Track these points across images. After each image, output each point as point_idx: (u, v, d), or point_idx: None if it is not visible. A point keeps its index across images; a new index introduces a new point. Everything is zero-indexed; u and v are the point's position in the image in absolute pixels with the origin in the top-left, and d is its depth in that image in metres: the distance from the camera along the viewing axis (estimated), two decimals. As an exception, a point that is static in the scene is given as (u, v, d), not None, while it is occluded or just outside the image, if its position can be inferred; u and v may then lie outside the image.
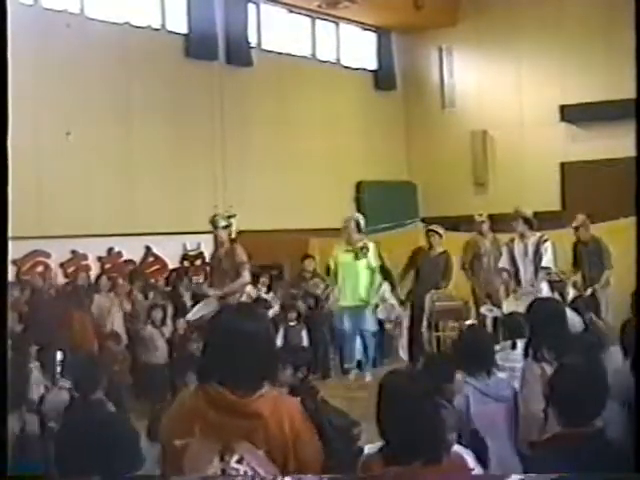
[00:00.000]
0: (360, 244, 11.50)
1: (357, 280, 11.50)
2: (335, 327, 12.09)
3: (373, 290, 11.65)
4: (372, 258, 11.56)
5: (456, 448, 4.05)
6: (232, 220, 10.31)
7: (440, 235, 12.40)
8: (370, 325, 11.71)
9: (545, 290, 10.93)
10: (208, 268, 12.14)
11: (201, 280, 13.36)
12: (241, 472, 3.24)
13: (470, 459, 3.89)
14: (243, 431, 3.25)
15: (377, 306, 12.24)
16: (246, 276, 10.08)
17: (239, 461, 3.24)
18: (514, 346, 6.48)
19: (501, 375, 5.79)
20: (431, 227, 12.77)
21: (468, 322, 12.13)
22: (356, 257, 11.45)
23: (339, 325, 11.87)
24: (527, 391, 5.21)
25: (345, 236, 11.61)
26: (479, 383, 5.40)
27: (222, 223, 10.20)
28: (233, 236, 10.42)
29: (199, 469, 3.27)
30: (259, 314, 3.78)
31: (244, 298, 10.27)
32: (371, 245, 11.66)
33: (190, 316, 10.50)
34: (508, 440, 5.29)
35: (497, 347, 6.51)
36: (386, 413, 3.44)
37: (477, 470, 3.70)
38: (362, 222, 11.69)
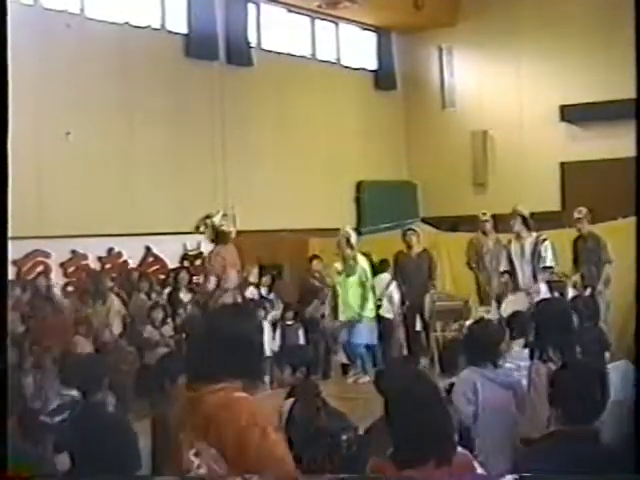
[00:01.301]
0: (350, 260, 11.51)
1: (347, 296, 11.50)
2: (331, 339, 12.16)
3: (365, 304, 11.61)
4: (363, 273, 11.53)
5: (459, 449, 4.04)
6: (208, 221, 10.22)
7: (418, 234, 12.47)
8: (360, 338, 11.66)
9: (544, 290, 10.92)
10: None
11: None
12: (196, 465, 3.25)
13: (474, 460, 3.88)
14: (197, 428, 3.27)
15: (379, 307, 12.26)
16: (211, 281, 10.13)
17: (196, 454, 3.27)
18: (526, 346, 6.46)
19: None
20: (409, 227, 12.83)
21: (467, 322, 12.12)
22: (346, 274, 11.45)
23: (336, 338, 11.93)
24: (534, 392, 5.18)
25: (339, 252, 11.65)
26: (486, 371, 5.40)
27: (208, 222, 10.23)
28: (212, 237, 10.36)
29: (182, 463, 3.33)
30: (246, 312, 3.84)
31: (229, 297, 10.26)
32: (362, 259, 11.63)
33: None
34: (509, 428, 5.27)
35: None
36: (395, 415, 3.41)
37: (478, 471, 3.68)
38: (353, 238, 11.69)
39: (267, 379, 9.38)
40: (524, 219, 11.20)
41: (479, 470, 3.59)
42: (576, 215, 12.00)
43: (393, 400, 3.47)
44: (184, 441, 3.30)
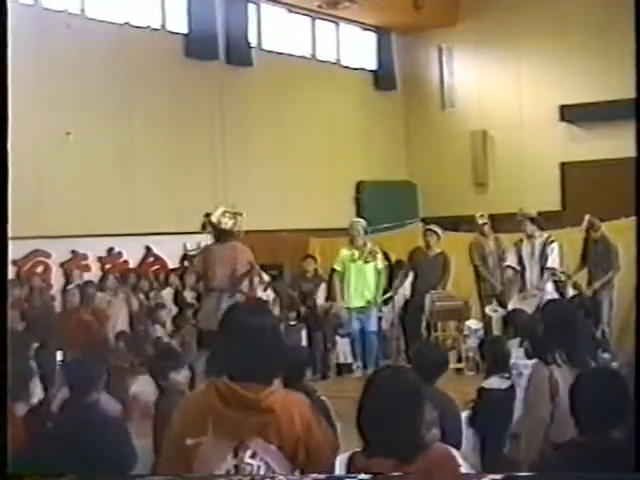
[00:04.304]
0: (368, 248, 11.62)
1: (365, 283, 11.60)
2: (342, 328, 12.13)
3: (379, 292, 11.71)
4: (379, 261, 11.69)
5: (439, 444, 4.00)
6: (206, 219, 10.10)
7: (438, 235, 12.38)
8: (374, 326, 11.77)
9: (550, 291, 10.94)
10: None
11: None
12: (255, 467, 3.29)
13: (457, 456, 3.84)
14: (256, 426, 3.30)
15: (386, 303, 12.32)
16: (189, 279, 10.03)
17: (252, 456, 3.30)
18: (521, 344, 6.46)
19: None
20: (429, 227, 12.74)
21: (468, 323, 12.13)
22: (366, 261, 11.56)
23: (347, 326, 11.90)
24: (534, 393, 5.14)
25: (350, 240, 11.72)
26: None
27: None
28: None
29: (212, 467, 3.30)
30: (267, 310, 3.84)
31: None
32: (377, 248, 11.80)
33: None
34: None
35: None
36: (365, 407, 3.35)
37: (464, 468, 3.62)
38: (364, 226, 11.83)
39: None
40: (533, 220, 11.27)
41: (463, 468, 3.54)
42: (582, 226, 11.87)
43: (365, 389, 3.43)
44: (225, 444, 3.30)
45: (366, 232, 11.85)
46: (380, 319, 12.29)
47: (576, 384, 3.79)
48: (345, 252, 11.82)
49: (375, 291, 11.78)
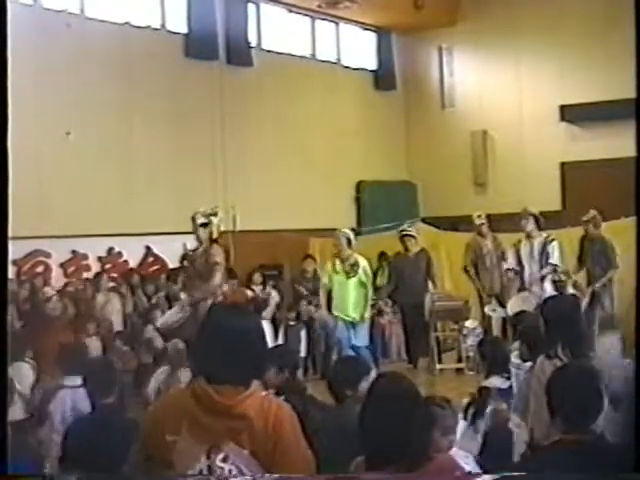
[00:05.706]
0: (351, 261, 11.36)
1: (348, 297, 11.32)
2: (331, 335, 12.03)
3: (364, 306, 11.42)
4: (363, 274, 11.42)
5: (453, 451, 3.99)
6: (213, 218, 9.94)
7: (415, 238, 12.59)
8: (361, 341, 11.45)
9: (549, 290, 10.96)
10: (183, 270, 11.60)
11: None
12: (226, 470, 3.27)
13: (470, 462, 3.83)
14: (229, 431, 3.27)
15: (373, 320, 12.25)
16: (217, 278, 9.52)
17: (224, 460, 3.27)
18: (530, 347, 6.44)
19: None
20: (404, 232, 12.87)
21: (467, 323, 12.14)
22: (347, 275, 11.32)
23: (335, 333, 11.77)
24: (538, 387, 5.13)
25: (336, 251, 11.50)
26: None
27: (200, 220, 9.79)
28: (215, 235, 10.02)
29: (187, 465, 3.30)
30: (249, 312, 3.79)
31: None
32: (361, 261, 11.49)
33: (159, 323, 10.27)
34: None
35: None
36: (366, 415, 3.31)
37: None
38: (352, 237, 11.60)
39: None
40: (535, 218, 11.34)
41: (468, 467, 3.52)
42: (584, 218, 11.92)
43: (367, 399, 3.39)
44: (198, 445, 3.28)
45: (349, 244, 11.48)
46: (372, 330, 12.17)
47: (553, 380, 3.78)
48: (329, 265, 11.57)
49: (357, 306, 11.31)
